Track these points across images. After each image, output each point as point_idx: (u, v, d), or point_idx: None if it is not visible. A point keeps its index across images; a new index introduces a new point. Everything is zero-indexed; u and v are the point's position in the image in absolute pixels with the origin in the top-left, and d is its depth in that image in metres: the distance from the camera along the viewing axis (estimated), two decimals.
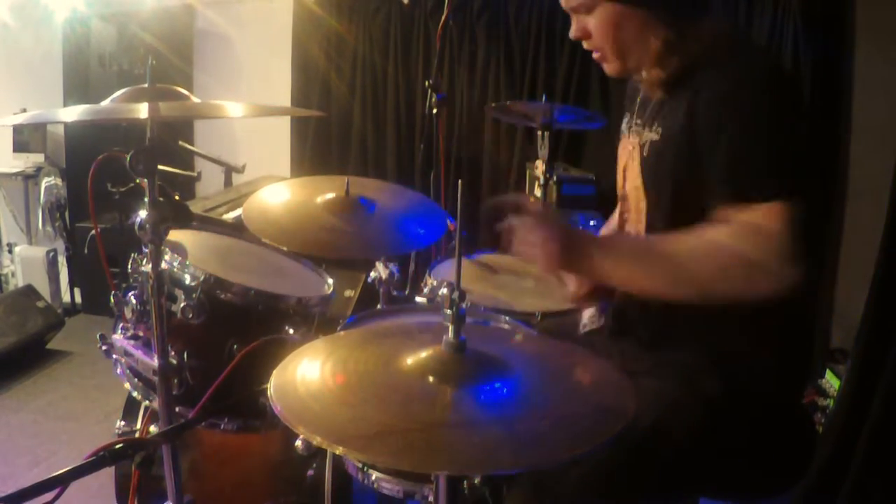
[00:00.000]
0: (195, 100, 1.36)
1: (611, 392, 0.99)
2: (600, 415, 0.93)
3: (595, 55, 1.34)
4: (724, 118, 1.16)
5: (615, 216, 1.66)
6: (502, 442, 0.85)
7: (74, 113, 1.28)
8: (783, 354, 1.26)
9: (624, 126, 1.47)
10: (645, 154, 1.31)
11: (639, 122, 1.38)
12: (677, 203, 1.26)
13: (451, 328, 0.96)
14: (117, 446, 1.14)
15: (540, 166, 2.60)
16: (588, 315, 1.60)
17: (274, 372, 0.95)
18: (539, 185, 2.76)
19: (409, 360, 0.97)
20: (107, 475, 1.48)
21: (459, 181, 1.03)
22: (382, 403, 0.91)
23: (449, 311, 0.96)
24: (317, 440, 0.82)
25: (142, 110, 1.17)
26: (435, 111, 2.21)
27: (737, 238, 1.12)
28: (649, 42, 1.25)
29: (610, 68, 1.34)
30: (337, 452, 0.83)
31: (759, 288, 1.10)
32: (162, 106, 1.19)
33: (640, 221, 1.33)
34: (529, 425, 0.89)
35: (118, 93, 1.28)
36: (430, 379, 0.94)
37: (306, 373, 0.98)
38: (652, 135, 1.30)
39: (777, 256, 1.09)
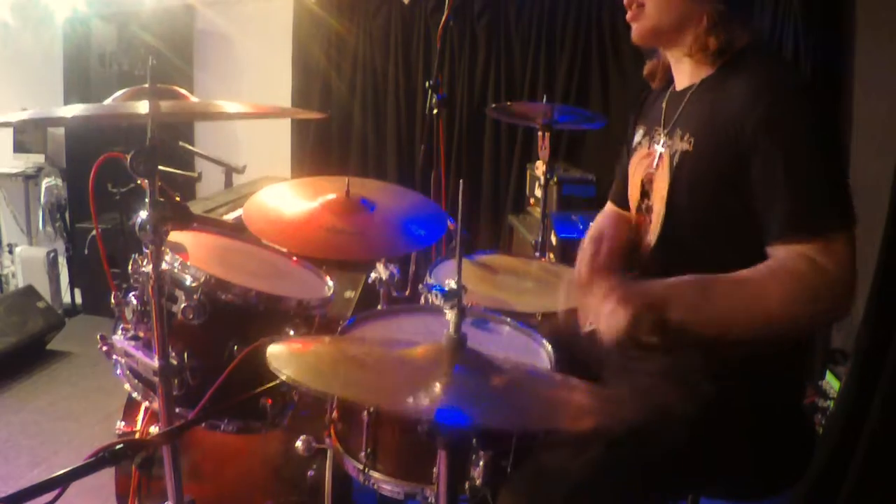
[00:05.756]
0: (194, 100, 1.36)
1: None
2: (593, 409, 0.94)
3: (630, 13, 1.32)
4: (777, 145, 1.14)
5: (601, 221, 1.64)
6: (497, 405, 0.88)
7: (75, 110, 1.28)
8: (782, 356, 1.26)
9: (641, 138, 1.46)
10: (675, 164, 1.29)
11: (663, 130, 1.37)
12: (706, 212, 1.26)
13: (451, 323, 0.96)
14: (117, 447, 1.14)
15: (540, 167, 2.60)
16: None
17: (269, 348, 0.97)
18: (539, 186, 2.76)
19: (409, 350, 0.98)
20: (107, 475, 1.49)
21: (461, 181, 1.02)
22: (382, 367, 0.94)
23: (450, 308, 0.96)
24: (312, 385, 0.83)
25: (141, 107, 1.17)
26: (435, 112, 2.21)
27: (800, 269, 1.12)
28: (703, 4, 1.25)
29: (640, 27, 1.32)
30: (336, 394, 0.85)
31: (822, 317, 1.14)
32: (162, 105, 1.19)
33: (656, 231, 1.33)
34: (523, 399, 0.91)
35: (118, 93, 1.28)
36: (429, 363, 0.95)
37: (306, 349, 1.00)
38: (683, 144, 1.28)
39: (839, 288, 1.11)
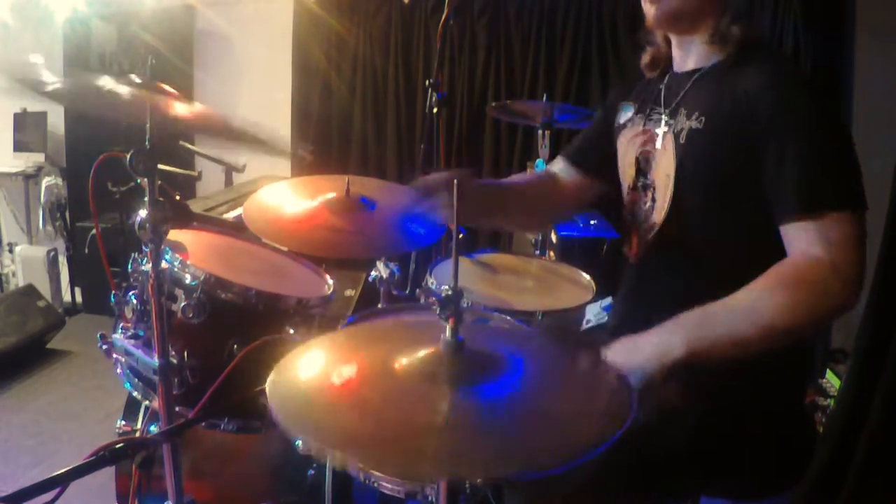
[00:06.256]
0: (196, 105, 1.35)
1: (611, 395, 0.99)
2: (600, 417, 0.93)
3: None
4: (791, 127, 1.15)
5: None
6: (501, 447, 0.83)
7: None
8: (783, 356, 1.26)
9: (632, 116, 1.45)
10: (682, 142, 1.29)
11: (664, 110, 1.36)
12: (718, 190, 1.26)
13: (448, 328, 0.95)
14: (117, 446, 1.14)
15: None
16: (592, 311, 1.60)
17: (270, 376, 0.95)
18: None
19: (407, 362, 0.96)
20: (107, 475, 1.48)
21: (455, 181, 1.02)
22: (381, 407, 0.90)
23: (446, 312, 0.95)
24: (315, 445, 0.81)
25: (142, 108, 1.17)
26: (435, 111, 2.21)
27: (799, 266, 1.12)
28: None
29: (664, 8, 1.29)
30: (335, 460, 0.82)
31: (832, 306, 1.11)
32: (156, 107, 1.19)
33: (664, 209, 1.33)
34: (528, 430, 0.88)
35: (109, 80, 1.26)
36: (428, 381, 0.92)
37: (304, 376, 0.98)
38: (692, 122, 1.28)
39: (842, 267, 1.09)
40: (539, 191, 1.60)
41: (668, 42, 1.42)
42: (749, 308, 1.11)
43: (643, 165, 1.39)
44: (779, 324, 1.10)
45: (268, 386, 0.92)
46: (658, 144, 1.34)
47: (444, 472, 0.83)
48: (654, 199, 1.36)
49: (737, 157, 1.21)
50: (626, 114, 1.48)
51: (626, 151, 1.45)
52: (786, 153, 1.15)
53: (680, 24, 1.33)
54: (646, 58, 1.47)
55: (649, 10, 1.32)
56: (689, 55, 1.35)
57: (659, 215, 1.34)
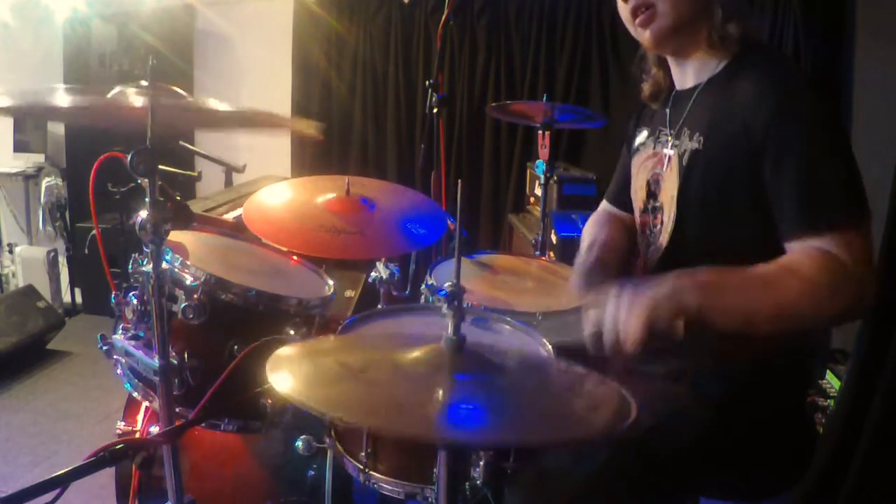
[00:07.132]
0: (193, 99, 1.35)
1: (611, 396, 0.99)
2: (598, 413, 0.93)
3: (641, 17, 1.27)
4: (787, 141, 1.13)
5: (593, 228, 1.63)
6: (499, 419, 0.86)
7: (72, 100, 1.26)
8: (784, 356, 1.26)
9: (645, 140, 1.45)
10: (685, 163, 1.28)
11: (670, 132, 1.36)
12: (719, 209, 1.25)
13: (450, 324, 0.96)
14: (118, 446, 1.14)
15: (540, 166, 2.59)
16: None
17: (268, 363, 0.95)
18: (539, 185, 2.76)
19: (409, 355, 0.97)
20: (107, 475, 1.48)
21: (459, 181, 1.02)
22: (387, 381, 0.93)
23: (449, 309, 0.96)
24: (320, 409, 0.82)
25: (137, 100, 1.17)
26: (435, 111, 2.21)
27: (819, 262, 1.08)
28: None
29: (657, 28, 1.26)
30: (336, 419, 0.83)
31: (842, 311, 1.08)
32: (162, 101, 1.19)
33: (668, 231, 1.32)
34: (527, 412, 0.90)
35: (116, 88, 1.27)
36: (431, 367, 0.94)
37: (306, 359, 0.99)
38: (693, 144, 1.27)
39: (857, 282, 1.07)
40: (623, 234, 1.56)
41: (662, 66, 1.42)
42: (773, 281, 1.08)
43: (653, 188, 1.39)
44: (798, 307, 1.07)
45: (268, 366, 0.92)
46: (665, 167, 1.34)
47: (445, 434, 0.83)
48: (662, 222, 1.36)
49: (736, 175, 1.20)
50: (640, 137, 1.48)
51: (638, 175, 1.45)
52: (783, 169, 1.13)
53: (677, 39, 1.31)
54: (645, 91, 1.46)
55: (643, 35, 1.30)
56: (688, 70, 1.35)
57: (664, 238, 1.34)
